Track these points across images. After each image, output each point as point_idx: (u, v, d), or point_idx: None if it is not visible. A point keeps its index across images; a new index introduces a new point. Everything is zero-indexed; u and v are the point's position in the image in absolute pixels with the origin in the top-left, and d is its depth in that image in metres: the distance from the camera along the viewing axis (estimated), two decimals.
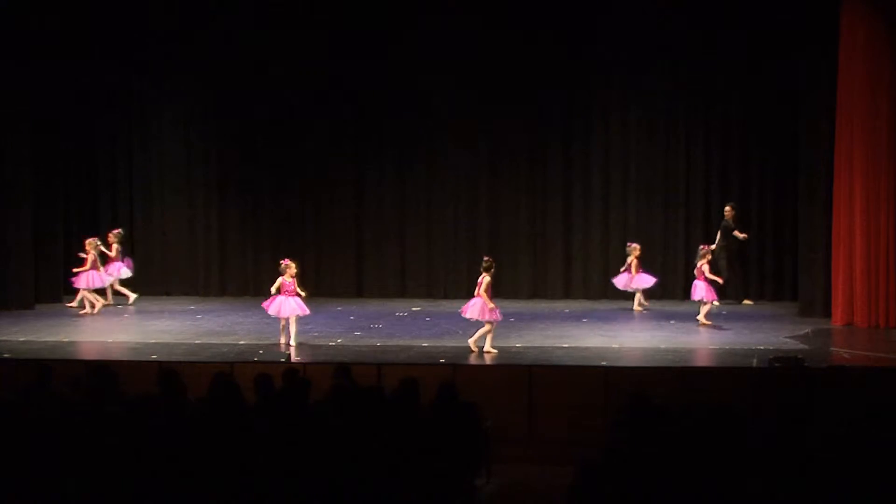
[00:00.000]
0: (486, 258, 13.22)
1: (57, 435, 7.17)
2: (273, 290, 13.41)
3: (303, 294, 13.43)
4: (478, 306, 12.85)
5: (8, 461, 6.86)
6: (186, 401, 8.26)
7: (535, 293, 17.58)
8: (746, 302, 16.88)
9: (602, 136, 17.66)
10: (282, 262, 13.58)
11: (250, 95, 17.90)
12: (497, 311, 12.88)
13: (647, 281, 16.29)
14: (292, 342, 13.24)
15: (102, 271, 16.30)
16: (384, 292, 17.84)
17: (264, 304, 13.55)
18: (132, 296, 16.99)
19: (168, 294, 18.16)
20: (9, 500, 6.61)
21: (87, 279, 16.04)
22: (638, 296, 16.31)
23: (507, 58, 17.40)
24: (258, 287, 17.94)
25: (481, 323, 12.90)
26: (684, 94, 17.43)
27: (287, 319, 13.37)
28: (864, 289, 14.70)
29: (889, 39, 14.53)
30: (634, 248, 16.25)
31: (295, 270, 13.47)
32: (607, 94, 17.63)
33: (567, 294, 17.66)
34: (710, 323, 14.76)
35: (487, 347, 12.76)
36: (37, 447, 7.00)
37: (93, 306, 15.91)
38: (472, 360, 12.54)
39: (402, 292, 17.86)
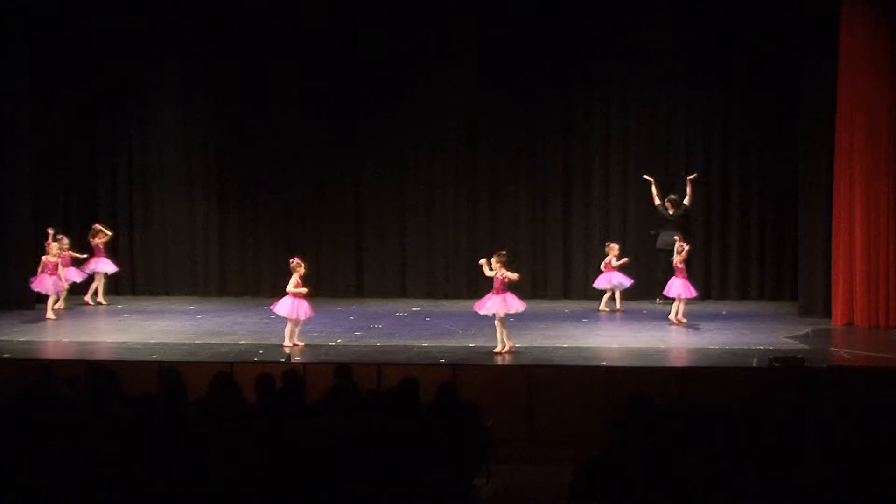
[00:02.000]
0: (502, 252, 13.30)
1: (57, 435, 7.17)
2: (297, 290, 13.29)
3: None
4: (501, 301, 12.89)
5: (8, 461, 6.86)
6: (186, 401, 8.25)
7: (535, 293, 17.57)
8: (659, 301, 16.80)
9: (602, 136, 17.65)
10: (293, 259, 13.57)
11: (250, 95, 17.91)
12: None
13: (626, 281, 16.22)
14: (286, 342, 13.23)
15: (62, 274, 15.90)
16: (384, 292, 17.84)
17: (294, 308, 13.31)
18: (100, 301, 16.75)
19: (168, 294, 18.17)
20: (9, 500, 6.61)
21: (45, 283, 15.67)
22: (617, 295, 16.24)
23: (507, 58, 17.42)
24: (258, 287, 17.97)
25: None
26: (684, 94, 17.42)
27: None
28: (864, 289, 14.70)
29: (889, 39, 14.53)
30: (613, 248, 16.24)
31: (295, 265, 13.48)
32: (607, 95, 17.63)
33: (567, 294, 17.66)
34: (684, 321, 14.76)
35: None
36: (37, 447, 7.00)
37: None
38: (472, 360, 12.54)
39: (402, 292, 17.87)
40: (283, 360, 12.14)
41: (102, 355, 12.71)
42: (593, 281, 16.41)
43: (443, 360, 12.25)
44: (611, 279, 16.12)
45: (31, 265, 16.08)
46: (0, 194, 16.29)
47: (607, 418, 10.12)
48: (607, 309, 16.08)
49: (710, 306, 16.71)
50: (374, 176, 18.03)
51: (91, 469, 6.70)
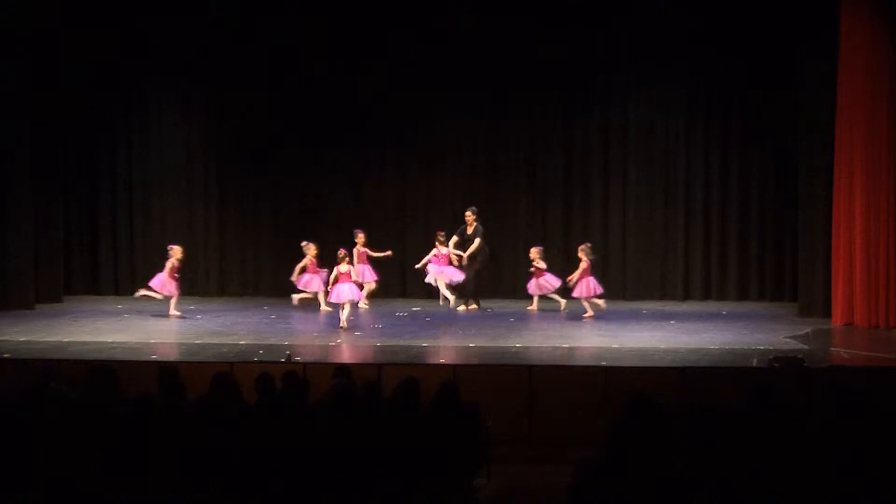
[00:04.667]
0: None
1: (57, 435, 7.17)
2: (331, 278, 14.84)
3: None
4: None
5: (8, 461, 6.86)
6: (186, 401, 8.25)
7: None
8: (472, 307, 16.53)
9: (601, 136, 17.67)
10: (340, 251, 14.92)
11: (250, 96, 17.92)
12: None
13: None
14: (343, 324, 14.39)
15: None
16: (384, 292, 17.81)
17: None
18: None
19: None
20: (9, 500, 6.61)
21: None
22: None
23: (507, 59, 17.42)
24: (258, 287, 18.00)
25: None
26: (684, 95, 17.44)
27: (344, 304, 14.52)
28: (864, 289, 14.70)
29: (889, 39, 14.54)
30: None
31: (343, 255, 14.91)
32: (607, 96, 17.65)
33: (567, 294, 17.62)
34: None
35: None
36: (37, 447, 7.00)
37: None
38: (472, 359, 12.54)
39: (402, 292, 17.86)
40: (283, 359, 12.13)
41: (102, 355, 12.68)
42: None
43: (443, 360, 12.24)
44: (550, 282, 16.04)
45: (31, 266, 16.11)
46: (0, 195, 16.28)
47: (607, 418, 10.12)
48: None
49: (710, 306, 16.72)
50: (374, 176, 18.04)
51: (91, 469, 6.70)
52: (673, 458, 6.46)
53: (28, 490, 6.61)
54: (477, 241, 16.35)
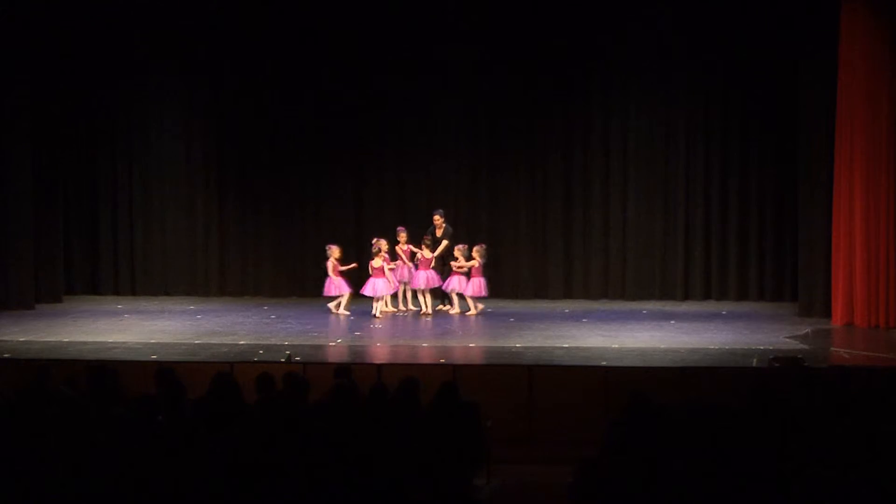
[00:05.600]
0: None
1: (57, 435, 7.17)
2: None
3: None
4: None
5: (7, 461, 6.86)
6: (186, 401, 8.25)
7: (536, 293, 17.59)
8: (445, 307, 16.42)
9: (601, 136, 17.66)
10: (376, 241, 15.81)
11: (250, 96, 17.92)
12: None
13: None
14: (376, 313, 15.46)
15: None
16: None
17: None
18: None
19: (168, 294, 18.17)
20: (8, 501, 6.61)
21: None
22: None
23: (507, 59, 17.43)
24: (258, 287, 17.99)
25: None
26: (684, 95, 17.42)
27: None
28: (864, 289, 14.70)
29: (889, 39, 14.54)
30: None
31: (376, 249, 15.71)
32: (607, 96, 17.64)
33: (567, 294, 17.66)
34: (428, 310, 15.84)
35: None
36: (36, 447, 7.00)
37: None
38: (472, 359, 12.54)
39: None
40: (283, 359, 12.13)
41: (102, 355, 12.68)
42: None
43: (443, 360, 12.25)
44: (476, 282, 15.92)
45: (31, 266, 16.10)
46: (0, 195, 16.28)
47: (607, 418, 10.12)
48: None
49: (710, 306, 16.72)
50: (375, 176, 18.04)
51: (91, 469, 6.70)
52: (673, 458, 6.46)
53: (28, 490, 6.61)
54: (444, 242, 16.32)
